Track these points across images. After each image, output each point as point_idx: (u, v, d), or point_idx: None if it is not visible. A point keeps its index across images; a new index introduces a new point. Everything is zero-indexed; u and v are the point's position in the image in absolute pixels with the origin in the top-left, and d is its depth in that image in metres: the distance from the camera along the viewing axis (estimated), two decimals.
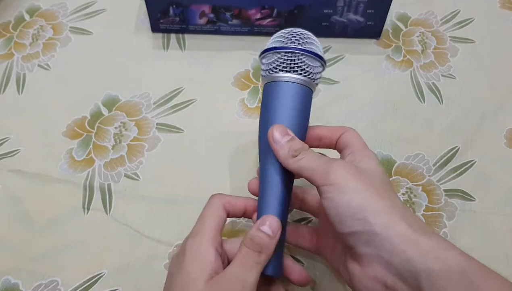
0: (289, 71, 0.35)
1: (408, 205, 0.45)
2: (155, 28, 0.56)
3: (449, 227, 0.43)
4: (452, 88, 0.53)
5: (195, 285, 0.30)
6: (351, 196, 0.30)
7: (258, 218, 0.34)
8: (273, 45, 0.36)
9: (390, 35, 0.57)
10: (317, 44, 0.36)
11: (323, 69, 0.37)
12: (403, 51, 0.56)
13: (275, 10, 0.53)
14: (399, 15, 0.59)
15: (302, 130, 0.36)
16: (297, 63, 0.35)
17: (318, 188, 0.31)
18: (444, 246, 0.28)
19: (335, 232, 0.31)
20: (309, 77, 0.35)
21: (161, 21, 0.55)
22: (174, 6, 0.53)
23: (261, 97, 0.52)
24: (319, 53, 0.36)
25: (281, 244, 0.34)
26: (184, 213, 0.44)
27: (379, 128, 0.50)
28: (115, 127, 0.49)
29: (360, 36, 0.56)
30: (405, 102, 0.52)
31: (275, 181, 0.34)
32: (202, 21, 0.54)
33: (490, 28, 0.58)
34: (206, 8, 0.53)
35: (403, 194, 0.45)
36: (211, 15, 0.53)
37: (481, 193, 0.46)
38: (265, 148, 0.35)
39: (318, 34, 0.54)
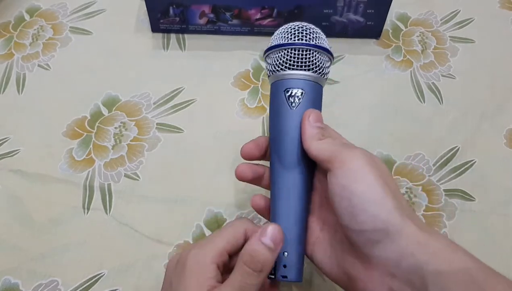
0: (298, 68, 0.34)
1: None
2: (155, 28, 0.56)
3: (449, 227, 0.43)
4: (452, 88, 0.53)
5: None
6: (367, 188, 0.28)
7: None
8: (278, 42, 0.35)
9: (390, 35, 0.57)
10: (324, 37, 0.35)
11: (331, 64, 0.36)
12: (403, 51, 0.56)
13: (275, 10, 0.53)
14: (399, 15, 0.59)
15: None
16: (307, 59, 0.34)
17: (332, 172, 0.30)
18: (450, 247, 0.27)
19: (336, 229, 0.30)
20: (319, 73, 0.34)
21: (161, 21, 0.55)
22: (174, 6, 0.53)
23: (261, 97, 0.52)
24: (327, 47, 0.35)
25: (303, 247, 0.33)
26: (184, 213, 0.44)
27: (379, 128, 0.50)
28: (115, 127, 0.49)
29: (360, 36, 0.56)
30: (405, 102, 0.52)
31: (289, 181, 0.33)
32: (202, 21, 0.54)
33: (490, 28, 0.58)
34: (206, 8, 0.53)
35: (403, 194, 0.45)
36: (211, 15, 0.53)
37: (481, 193, 0.46)
38: (278, 149, 0.34)
39: None
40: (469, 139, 0.49)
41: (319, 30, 0.35)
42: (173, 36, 0.57)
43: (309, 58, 0.34)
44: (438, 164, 0.47)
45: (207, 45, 0.56)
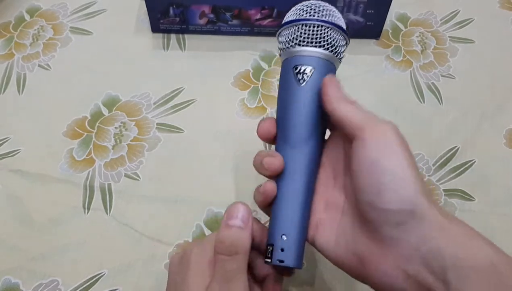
0: (309, 45, 0.32)
1: None
2: (155, 28, 0.56)
3: None
4: (451, 89, 0.53)
5: None
6: (399, 167, 0.26)
7: (273, 210, 0.31)
8: (289, 19, 0.33)
9: (390, 35, 0.57)
10: (338, 15, 0.33)
11: (346, 44, 0.34)
12: (403, 51, 0.56)
13: (275, 11, 0.53)
14: (399, 15, 0.59)
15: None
16: (318, 35, 0.32)
17: (362, 142, 0.28)
18: (472, 234, 0.26)
19: (344, 209, 0.29)
20: (331, 51, 0.32)
21: (161, 21, 0.55)
22: (174, 6, 0.53)
23: (261, 97, 0.52)
24: (340, 24, 0.33)
25: (304, 231, 0.31)
26: (184, 213, 0.44)
27: None
28: (115, 127, 0.49)
29: (360, 36, 0.56)
30: (404, 102, 0.52)
31: (294, 161, 0.31)
32: (202, 21, 0.55)
33: (489, 28, 0.59)
34: (206, 9, 0.53)
35: None
36: (211, 16, 0.54)
37: (480, 193, 0.46)
38: (284, 128, 0.32)
39: None
40: (469, 140, 0.49)
41: (333, 8, 0.33)
42: (173, 36, 0.57)
43: (320, 34, 0.32)
44: (437, 164, 0.47)
45: (207, 45, 0.56)
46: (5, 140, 0.48)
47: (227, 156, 0.48)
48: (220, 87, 0.53)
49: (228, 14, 0.53)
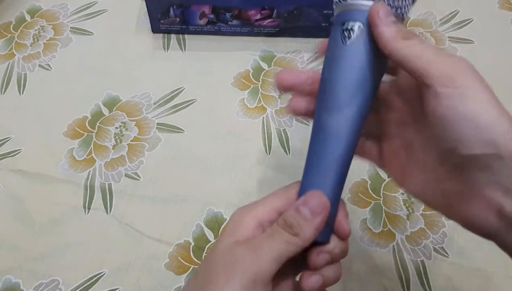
0: None
1: (407, 205, 0.45)
2: (155, 28, 0.56)
3: (448, 226, 0.44)
4: None
5: (223, 244, 0.28)
6: (481, 109, 0.24)
7: (302, 187, 0.29)
8: None
9: None
10: None
11: (413, 4, 0.29)
12: None
13: (275, 11, 0.53)
14: None
15: (379, 71, 0.29)
16: None
17: (437, 92, 0.25)
18: None
19: (425, 153, 0.27)
20: (397, 8, 0.28)
21: (162, 21, 0.55)
22: (175, 7, 0.53)
23: (261, 97, 0.52)
24: None
25: (335, 206, 0.29)
26: (184, 213, 0.44)
27: None
28: (116, 127, 0.49)
29: None
30: None
31: (336, 127, 0.28)
32: (202, 21, 0.55)
33: (489, 28, 0.59)
34: (206, 9, 0.53)
35: (402, 194, 0.45)
36: (211, 16, 0.54)
37: None
38: (327, 91, 0.29)
39: (317, 35, 0.54)
40: None
41: None
42: (173, 36, 0.57)
43: None
44: None
45: (207, 45, 0.56)
46: (5, 140, 0.48)
47: (227, 156, 0.48)
48: (220, 88, 0.53)
49: (228, 15, 0.53)
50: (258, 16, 0.54)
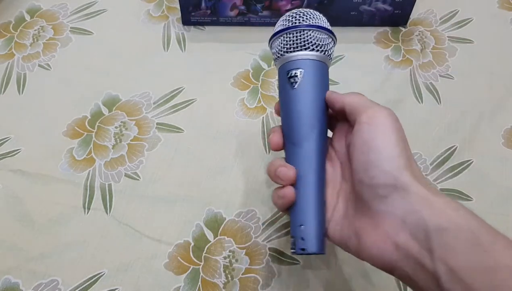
0: (296, 50, 0.35)
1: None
2: (186, 21, 0.57)
3: None
4: (450, 89, 0.53)
5: None
6: (387, 146, 0.29)
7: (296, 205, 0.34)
8: (277, 30, 0.36)
9: (390, 35, 0.58)
10: (322, 18, 0.36)
11: (334, 44, 0.37)
12: (403, 51, 0.56)
13: (305, 1, 0.53)
14: None
15: (324, 106, 0.36)
16: (308, 39, 0.35)
17: (359, 125, 0.31)
18: (454, 206, 0.28)
19: (349, 197, 0.31)
20: (317, 50, 0.35)
21: (193, 14, 0.56)
22: None
23: (260, 97, 0.52)
24: (326, 26, 0.36)
25: (321, 218, 0.33)
26: (184, 213, 0.44)
27: None
28: (115, 127, 0.50)
29: (387, 24, 0.57)
30: (403, 102, 0.52)
31: (300, 157, 0.34)
32: (233, 13, 0.55)
33: (488, 28, 0.59)
34: (238, 1, 0.53)
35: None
36: (242, 7, 0.54)
37: (478, 193, 0.46)
38: (287, 129, 0.35)
39: (347, 23, 0.56)
40: (467, 139, 0.49)
41: (314, 12, 0.36)
42: (173, 36, 0.57)
43: (303, 37, 0.35)
44: (435, 163, 0.48)
45: (207, 45, 0.56)
46: (5, 140, 0.49)
47: (227, 156, 0.48)
48: (220, 87, 0.53)
49: (259, 6, 0.54)
50: (289, 7, 0.54)
